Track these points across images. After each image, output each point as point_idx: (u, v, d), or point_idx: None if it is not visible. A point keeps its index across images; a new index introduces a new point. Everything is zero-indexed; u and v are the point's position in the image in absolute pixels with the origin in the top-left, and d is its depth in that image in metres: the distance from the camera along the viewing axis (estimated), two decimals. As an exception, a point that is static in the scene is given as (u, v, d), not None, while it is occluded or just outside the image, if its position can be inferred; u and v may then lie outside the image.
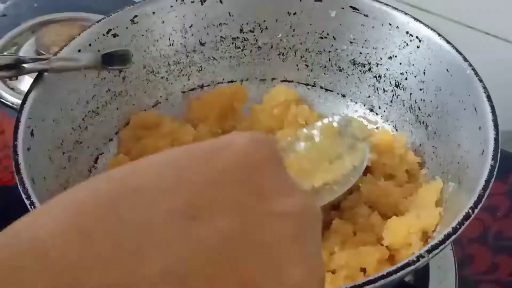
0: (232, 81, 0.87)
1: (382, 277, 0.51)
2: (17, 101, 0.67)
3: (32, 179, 0.59)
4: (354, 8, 0.80)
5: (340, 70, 0.84)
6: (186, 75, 0.85)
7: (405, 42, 0.77)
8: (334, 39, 0.83)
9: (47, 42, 1.06)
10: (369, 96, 0.83)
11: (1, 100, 1.01)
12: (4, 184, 0.89)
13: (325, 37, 0.83)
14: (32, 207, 0.56)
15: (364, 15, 0.79)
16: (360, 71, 0.83)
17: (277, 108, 0.83)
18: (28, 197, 0.56)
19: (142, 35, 0.79)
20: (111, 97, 0.78)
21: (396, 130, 0.81)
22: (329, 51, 0.84)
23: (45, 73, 0.68)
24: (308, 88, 0.87)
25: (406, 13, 0.77)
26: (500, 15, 0.95)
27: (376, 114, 0.83)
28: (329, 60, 0.84)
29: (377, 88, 0.82)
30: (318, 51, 0.85)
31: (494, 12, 0.95)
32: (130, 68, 0.78)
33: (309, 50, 0.85)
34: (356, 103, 0.85)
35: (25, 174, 0.58)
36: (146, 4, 0.79)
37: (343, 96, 0.85)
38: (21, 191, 0.57)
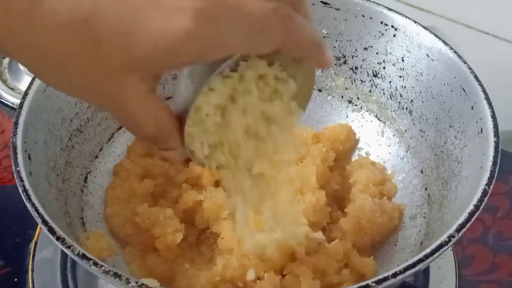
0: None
1: (385, 278, 0.52)
2: (17, 101, 0.66)
3: (42, 204, 0.56)
4: (325, 3, 0.80)
5: (315, 65, 0.85)
6: (161, 84, 0.83)
7: (380, 32, 0.79)
8: (306, 35, 0.83)
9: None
10: (346, 88, 0.84)
11: (1, 100, 0.99)
12: (4, 184, 0.85)
13: (297, 34, 0.83)
14: (52, 233, 0.53)
15: (336, 9, 0.80)
16: (335, 64, 0.83)
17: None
18: (46, 223, 0.54)
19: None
20: (92, 113, 0.76)
21: (378, 119, 0.82)
22: (302, 48, 0.84)
23: (31, 95, 0.66)
24: (283, 87, 0.87)
25: (378, 4, 0.78)
26: (500, 15, 0.96)
27: (355, 105, 0.84)
28: (303, 56, 0.85)
29: (354, 80, 0.83)
30: (291, 49, 0.85)
31: (494, 12, 0.96)
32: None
33: (281, 49, 0.85)
34: (333, 96, 0.85)
35: (35, 200, 0.56)
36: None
37: (319, 90, 0.86)
38: (35, 217, 0.55)
